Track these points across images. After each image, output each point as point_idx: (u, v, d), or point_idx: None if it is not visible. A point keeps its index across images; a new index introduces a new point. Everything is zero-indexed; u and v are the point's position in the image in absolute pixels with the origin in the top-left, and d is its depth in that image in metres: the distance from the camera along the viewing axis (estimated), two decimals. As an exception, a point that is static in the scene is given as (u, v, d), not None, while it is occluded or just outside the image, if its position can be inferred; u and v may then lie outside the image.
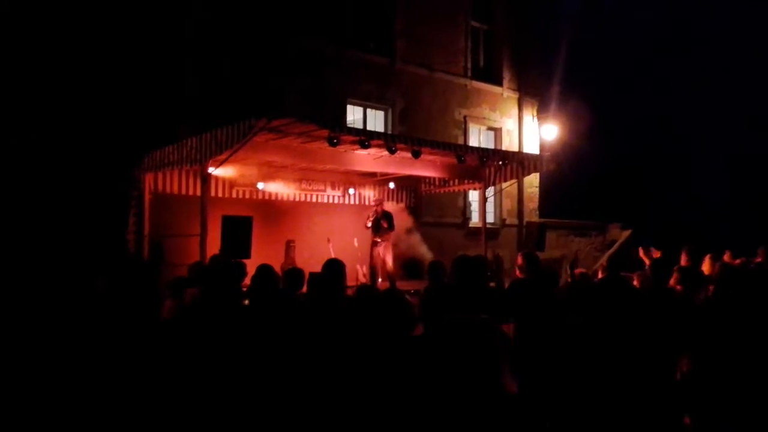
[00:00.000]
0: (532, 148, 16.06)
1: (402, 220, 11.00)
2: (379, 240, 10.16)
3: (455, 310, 2.54)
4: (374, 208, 10.33)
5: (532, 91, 16.48)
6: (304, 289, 4.71)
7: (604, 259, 16.30)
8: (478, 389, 2.30)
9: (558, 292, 3.93)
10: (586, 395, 3.43)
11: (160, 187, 9.51)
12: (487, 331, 2.47)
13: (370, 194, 12.02)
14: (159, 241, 8.70)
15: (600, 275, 5.18)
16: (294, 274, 4.83)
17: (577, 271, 5.20)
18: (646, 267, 5.18)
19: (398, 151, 8.55)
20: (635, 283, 5.11)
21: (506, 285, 6.00)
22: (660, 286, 4.18)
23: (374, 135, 8.46)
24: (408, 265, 11.40)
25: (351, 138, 8.09)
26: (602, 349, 3.59)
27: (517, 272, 4.97)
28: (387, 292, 2.86)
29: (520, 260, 4.99)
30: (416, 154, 8.78)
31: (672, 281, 4.25)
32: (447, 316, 2.45)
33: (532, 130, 16.40)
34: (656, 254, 5.96)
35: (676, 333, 3.75)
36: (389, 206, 10.79)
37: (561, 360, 3.47)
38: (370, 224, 10.21)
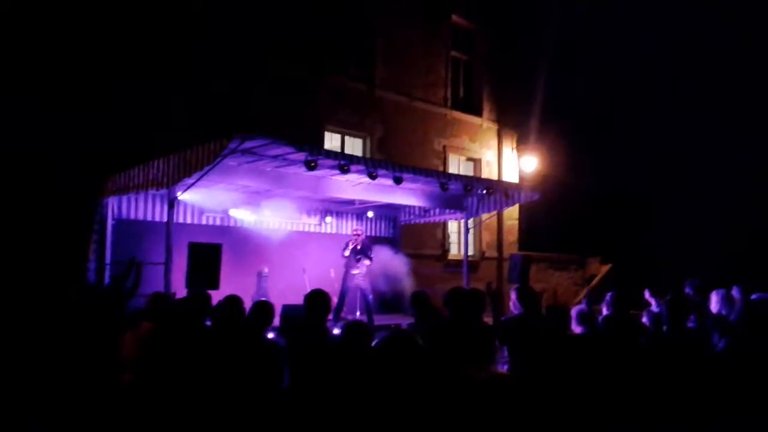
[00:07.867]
0: (511, 179, 15.83)
1: (379, 250, 10.53)
2: (356, 272, 9.62)
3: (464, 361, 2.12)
4: (353, 238, 9.81)
5: (512, 123, 16.36)
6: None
7: (583, 295, 16.11)
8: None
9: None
10: None
11: (124, 212, 9.13)
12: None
13: (347, 223, 11.59)
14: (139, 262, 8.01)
15: (605, 312, 4.76)
16: (263, 307, 4.31)
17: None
18: (653, 306, 4.88)
19: (379, 178, 8.12)
20: (644, 320, 4.74)
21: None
22: (679, 329, 3.78)
23: (354, 159, 8.04)
24: (385, 298, 10.91)
25: (330, 162, 7.65)
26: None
27: (511, 306, 4.57)
28: (396, 336, 2.43)
29: (514, 295, 4.60)
30: (398, 181, 8.40)
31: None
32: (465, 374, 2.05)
33: (511, 162, 16.24)
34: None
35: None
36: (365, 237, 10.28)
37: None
38: (347, 253, 9.67)
